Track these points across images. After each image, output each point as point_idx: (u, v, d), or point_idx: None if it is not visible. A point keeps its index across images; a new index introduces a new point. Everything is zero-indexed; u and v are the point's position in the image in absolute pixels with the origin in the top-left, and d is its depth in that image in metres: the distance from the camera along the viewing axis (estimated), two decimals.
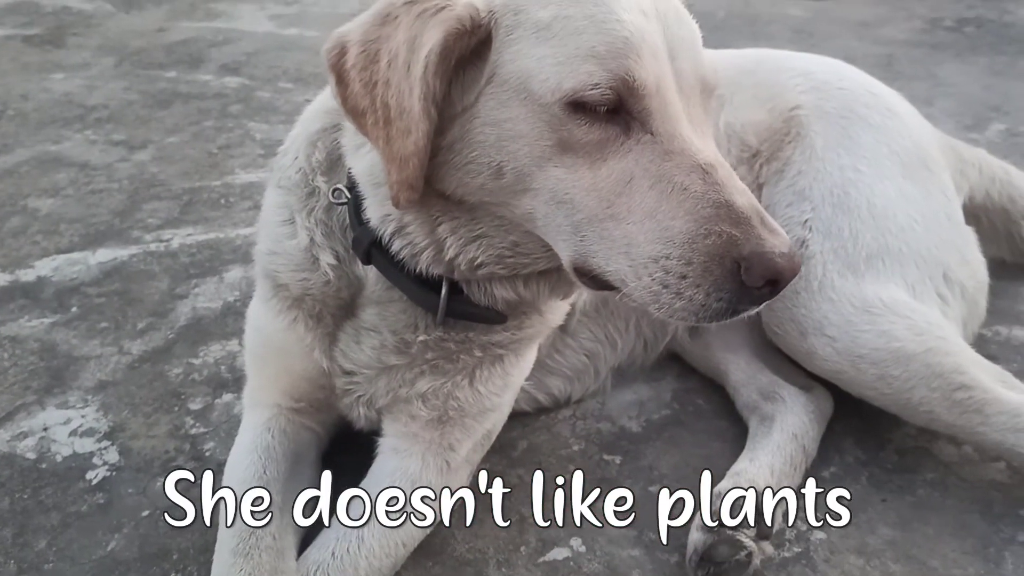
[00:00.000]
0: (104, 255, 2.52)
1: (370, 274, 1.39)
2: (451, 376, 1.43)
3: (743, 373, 1.85)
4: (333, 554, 1.34)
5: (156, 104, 3.68)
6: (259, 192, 2.89)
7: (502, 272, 1.30)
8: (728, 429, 1.82)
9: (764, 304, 1.11)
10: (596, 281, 1.19)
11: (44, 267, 2.45)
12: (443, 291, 1.33)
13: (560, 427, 1.84)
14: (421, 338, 1.39)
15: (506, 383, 1.49)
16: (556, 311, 1.49)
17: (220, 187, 2.96)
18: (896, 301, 1.65)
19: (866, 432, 1.79)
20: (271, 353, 1.53)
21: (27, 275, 2.41)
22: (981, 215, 2.11)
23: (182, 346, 2.11)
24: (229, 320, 2.21)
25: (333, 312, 1.44)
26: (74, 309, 2.25)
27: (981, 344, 1.73)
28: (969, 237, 1.87)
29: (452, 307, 1.35)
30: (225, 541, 1.31)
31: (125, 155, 3.20)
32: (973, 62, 4.10)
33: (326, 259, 1.40)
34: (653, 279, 1.09)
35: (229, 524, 1.33)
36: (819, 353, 1.66)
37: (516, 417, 1.73)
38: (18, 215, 2.75)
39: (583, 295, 1.72)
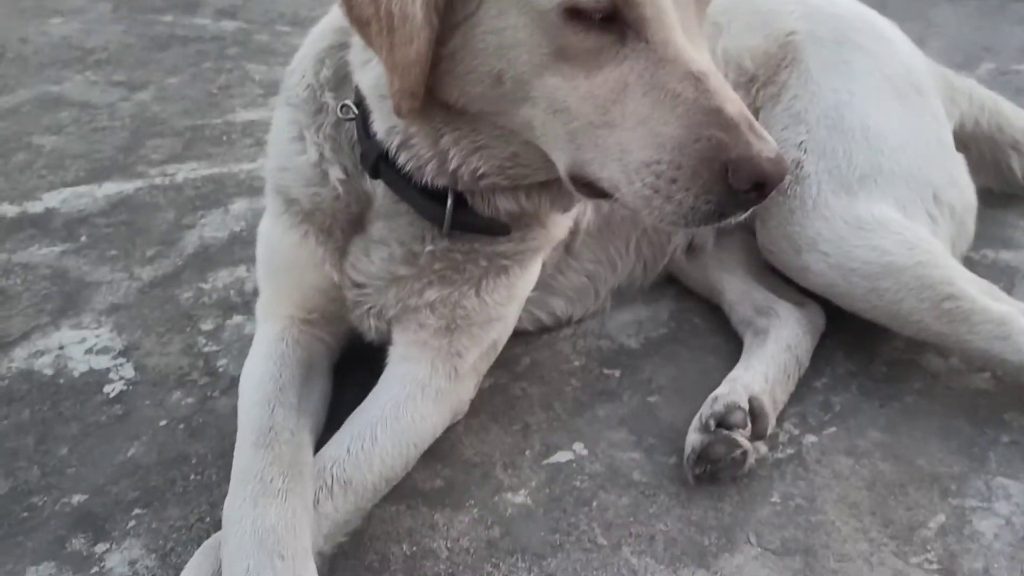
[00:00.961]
0: (110, 188, 2.56)
1: (378, 188, 1.43)
2: (458, 286, 1.49)
3: (738, 291, 1.90)
4: (348, 451, 1.39)
5: (154, 47, 3.70)
6: (261, 130, 2.93)
7: (503, 183, 1.35)
8: (723, 345, 1.88)
9: (751, 209, 1.16)
10: (591, 189, 1.23)
11: (52, 199, 2.49)
12: (448, 202, 1.37)
13: (561, 344, 1.90)
14: (429, 249, 1.44)
15: (511, 294, 1.55)
16: (559, 224, 1.53)
17: (221, 125, 2.99)
18: (888, 218, 1.70)
19: (856, 346, 1.85)
20: (283, 267, 1.58)
21: (35, 207, 2.45)
22: (970, 143, 2.16)
23: (191, 272, 2.15)
24: (236, 249, 2.26)
25: (343, 226, 1.49)
26: (83, 238, 2.30)
27: (969, 266, 1.78)
28: (958, 160, 1.93)
29: (457, 219, 1.39)
30: (245, 435, 1.36)
31: (126, 95, 3.22)
32: (964, 4, 4.15)
33: (335, 174, 1.44)
34: (644, 184, 1.13)
35: (250, 420, 1.38)
36: (813, 269, 1.72)
37: (519, 335, 1.79)
38: (23, 151, 2.78)
39: (586, 214, 1.78)
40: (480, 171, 1.31)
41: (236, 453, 1.36)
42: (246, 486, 1.26)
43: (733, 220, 1.15)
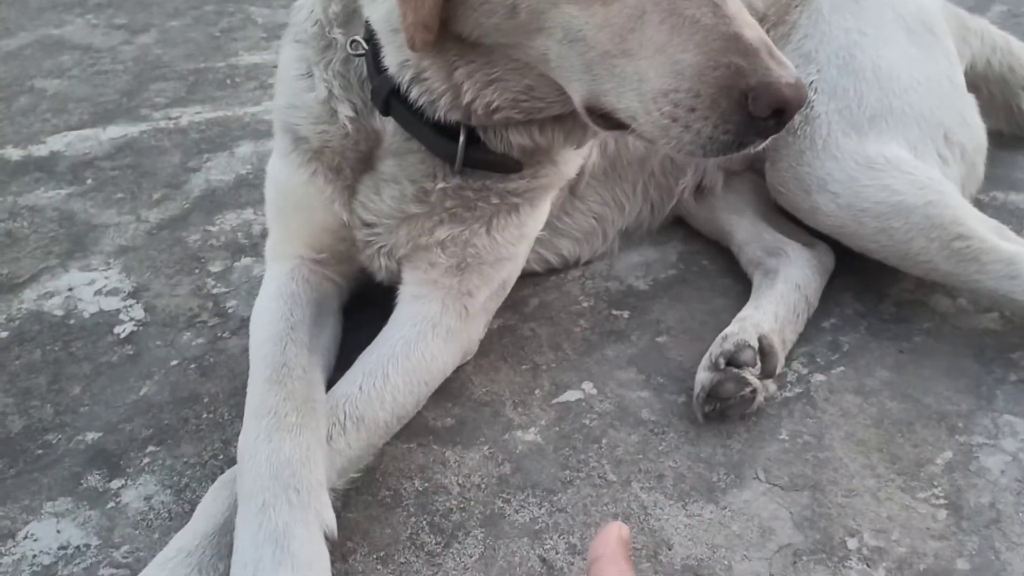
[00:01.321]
0: (114, 132, 2.55)
1: (388, 126, 1.42)
2: (469, 224, 1.48)
3: (748, 232, 1.90)
4: (360, 388, 1.40)
5: None
6: (264, 73, 2.91)
7: (517, 117, 1.34)
8: (731, 287, 1.89)
9: (770, 138, 1.14)
10: (607, 120, 1.22)
11: (56, 143, 2.48)
12: (461, 138, 1.37)
13: (570, 286, 1.90)
14: (440, 186, 1.43)
15: (521, 233, 1.54)
16: (569, 162, 1.53)
17: (225, 68, 2.97)
18: (898, 158, 1.70)
19: (865, 287, 1.85)
20: (292, 206, 1.58)
21: (40, 150, 2.45)
22: (981, 84, 2.15)
23: (198, 215, 2.15)
24: (243, 191, 2.26)
25: (352, 165, 1.48)
26: (89, 181, 2.29)
27: (978, 208, 1.77)
28: (970, 101, 1.91)
29: (469, 155, 1.38)
30: (259, 372, 1.37)
31: (128, 38, 3.20)
32: None
33: (344, 111, 1.43)
34: (662, 113, 1.11)
35: (262, 356, 1.39)
36: (823, 209, 1.72)
37: (527, 277, 1.79)
38: (26, 95, 2.77)
39: (591, 156, 1.77)
40: (494, 104, 1.30)
41: (249, 390, 1.37)
42: (260, 421, 1.27)
43: (752, 150, 1.14)
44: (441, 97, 1.31)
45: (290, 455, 1.22)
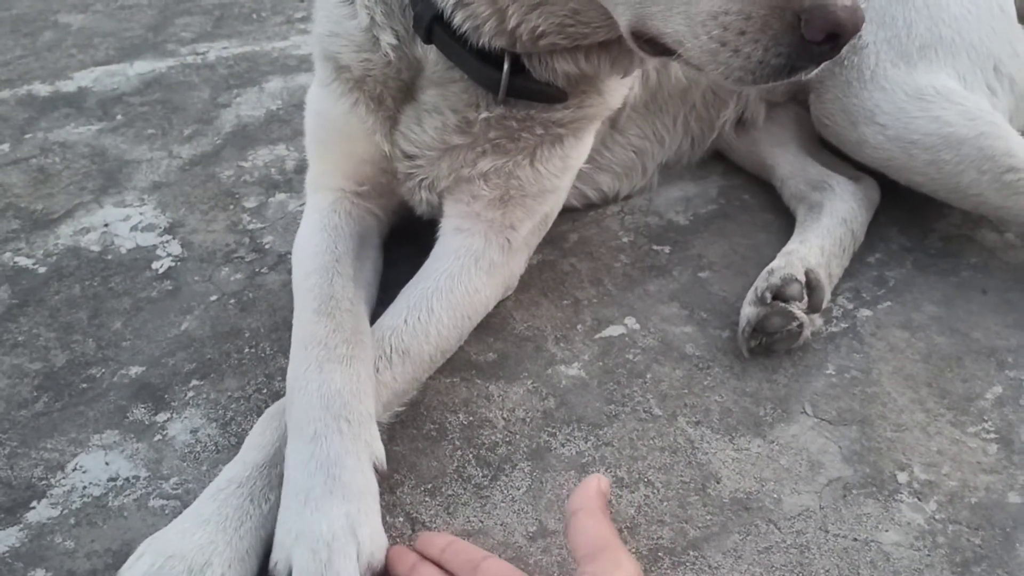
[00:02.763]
0: (142, 67, 2.52)
1: (430, 54, 1.39)
2: (512, 156, 1.46)
3: (791, 166, 1.87)
4: (406, 321, 1.39)
5: None
6: (291, 7, 2.88)
7: (563, 42, 1.30)
8: (773, 222, 1.86)
9: (823, 64, 1.10)
10: (654, 46, 1.18)
11: (84, 78, 2.46)
12: (505, 66, 1.33)
13: (609, 221, 1.88)
14: (483, 116, 1.40)
15: (565, 165, 1.52)
16: (615, 92, 1.49)
17: (250, 3, 2.94)
18: (948, 89, 1.66)
19: (911, 222, 1.82)
20: (333, 137, 1.55)
21: (67, 86, 2.42)
22: None
23: (230, 150, 2.13)
24: (274, 127, 2.23)
25: (393, 94, 1.45)
26: (119, 117, 2.27)
27: None
28: (1020, 31, 1.85)
29: (513, 84, 1.35)
30: (306, 304, 1.36)
31: None
32: None
33: (387, 39, 1.39)
34: (711, 37, 1.06)
35: (309, 287, 1.38)
36: (870, 141, 1.68)
37: (566, 213, 1.76)
38: (50, 30, 2.74)
39: (633, 88, 1.73)
40: (539, 30, 1.26)
41: (296, 322, 1.36)
42: (310, 352, 1.26)
43: (803, 76, 1.09)
44: (486, 22, 1.28)
45: (341, 386, 1.22)
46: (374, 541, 1.11)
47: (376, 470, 1.19)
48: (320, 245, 1.47)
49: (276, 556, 1.10)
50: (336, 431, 1.17)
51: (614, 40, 1.29)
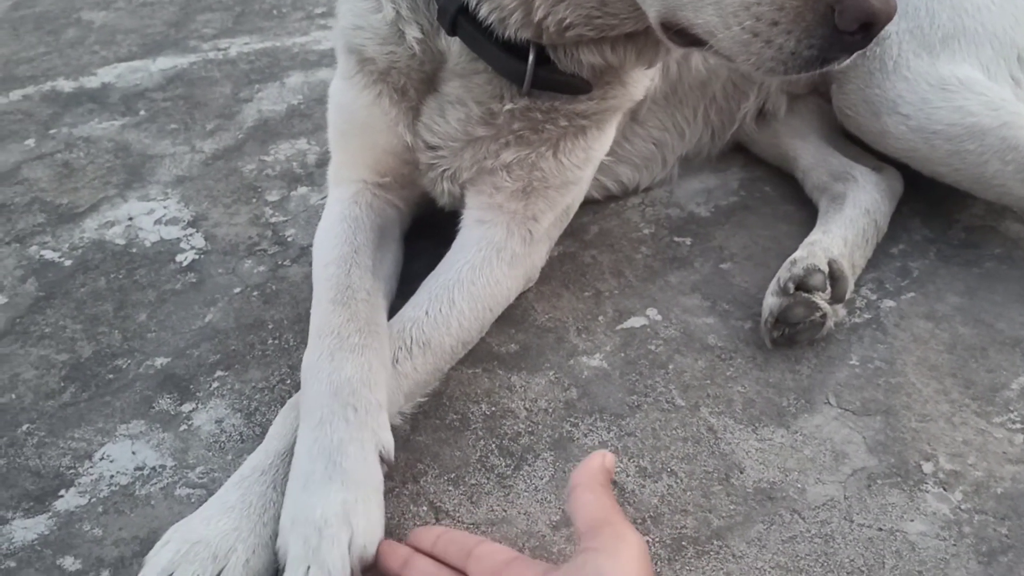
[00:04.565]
0: (164, 63, 2.54)
1: (453, 46, 1.39)
2: (536, 147, 1.46)
3: (812, 157, 1.86)
4: (427, 313, 1.40)
5: None
6: (311, 3, 2.88)
7: (590, 34, 1.30)
8: (795, 213, 1.85)
9: (856, 54, 1.10)
10: (683, 37, 1.18)
11: (107, 74, 2.48)
12: (530, 57, 1.33)
13: (630, 213, 1.88)
14: (507, 107, 1.40)
15: (588, 156, 1.52)
16: (638, 83, 1.49)
17: None
18: (971, 79, 1.65)
19: (933, 213, 1.82)
20: (355, 129, 1.56)
21: (91, 82, 2.44)
22: None
23: (252, 145, 2.14)
24: (295, 121, 2.24)
25: (416, 86, 1.45)
26: (142, 112, 2.29)
27: None
28: None
29: (538, 76, 1.35)
30: (322, 293, 1.37)
31: None
32: None
33: (412, 33, 1.40)
34: (743, 28, 1.06)
35: (326, 277, 1.39)
36: (892, 132, 1.68)
37: (586, 204, 1.77)
38: (73, 27, 2.76)
39: (654, 80, 1.73)
40: (566, 21, 1.26)
41: (313, 311, 1.37)
42: (323, 341, 1.27)
43: (835, 66, 1.09)
44: (512, 14, 1.27)
45: (351, 374, 1.22)
46: (368, 532, 1.10)
47: (383, 460, 1.18)
48: (340, 236, 1.48)
49: (279, 541, 1.10)
50: (342, 418, 1.17)
51: (641, 31, 1.29)
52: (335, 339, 1.27)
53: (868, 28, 1.03)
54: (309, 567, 1.04)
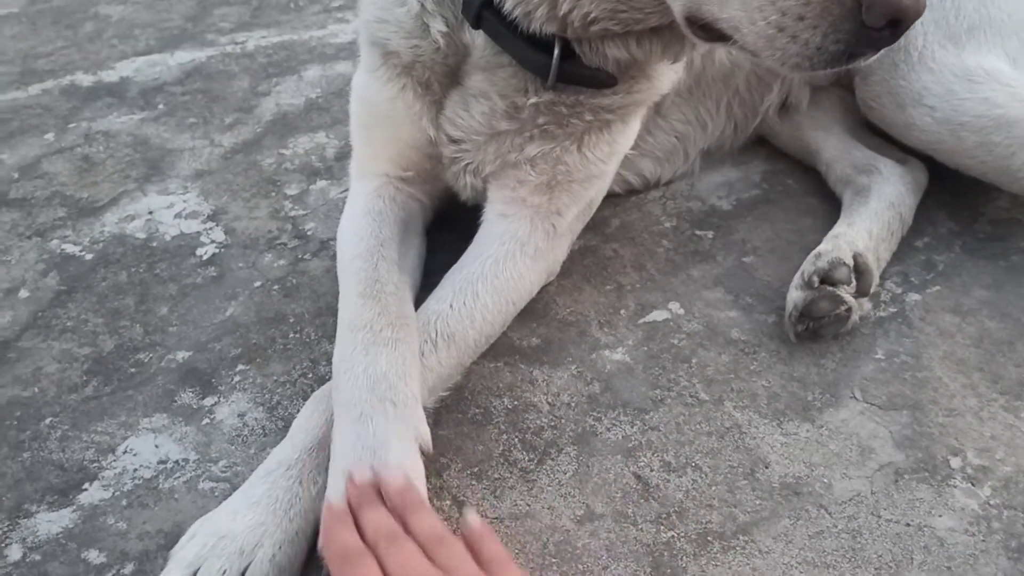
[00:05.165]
0: (182, 57, 2.53)
1: (478, 40, 1.38)
2: (560, 141, 1.45)
3: (836, 150, 1.84)
4: (451, 306, 1.39)
5: None
6: None
7: (615, 28, 1.29)
8: (818, 206, 1.84)
9: (882, 51, 1.09)
10: (708, 31, 1.16)
11: (125, 68, 2.48)
12: (555, 51, 1.32)
13: (651, 206, 1.86)
14: (532, 101, 1.39)
15: (612, 150, 1.50)
16: (663, 77, 1.48)
17: None
18: (998, 70, 1.63)
19: (958, 205, 1.80)
20: (379, 122, 1.55)
21: (110, 76, 2.44)
22: None
23: (271, 139, 2.14)
24: (313, 115, 2.24)
25: (440, 79, 1.44)
26: (160, 106, 2.29)
27: None
28: None
29: (562, 70, 1.33)
30: (351, 287, 1.36)
31: None
32: None
33: (437, 26, 1.38)
34: (768, 22, 1.04)
35: (354, 271, 1.39)
36: (918, 124, 1.66)
37: (607, 198, 1.75)
38: (91, 21, 2.76)
39: (679, 72, 1.71)
40: (591, 15, 1.25)
41: (341, 305, 1.36)
42: (356, 335, 1.26)
43: (862, 62, 1.07)
44: (537, 8, 1.26)
45: (386, 369, 1.22)
46: None
47: (422, 452, 1.19)
48: (365, 230, 1.47)
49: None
50: (382, 413, 1.17)
51: (666, 25, 1.28)
52: (368, 333, 1.27)
53: (896, 24, 1.02)
54: None
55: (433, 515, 1.08)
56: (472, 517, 1.08)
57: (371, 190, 1.55)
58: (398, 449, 1.15)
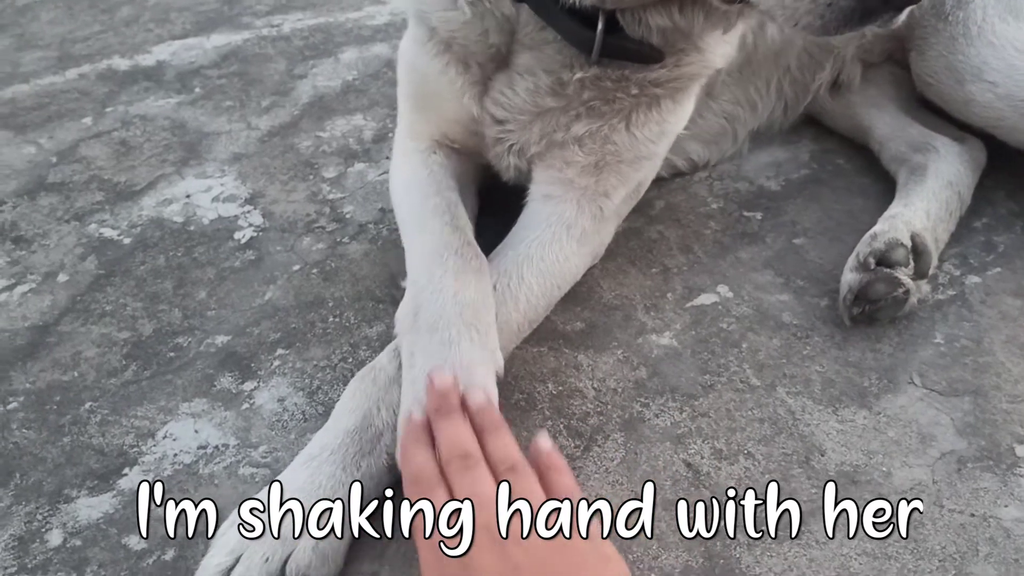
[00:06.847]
0: (218, 40, 2.51)
1: (522, 14, 1.33)
2: (607, 119, 1.40)
3: (890, 128, 1.78)
4: (496, 287, 1.36)
5: None
6: None
7: None
8: (871, 186, 1.78)
9: (905, 12, 1.01)
10: None
11: (162, 52, 2.46)
12: (599, 24, 1.28)
13: (697, 188, 1.82)
14: (577, 76, 1.34)
15: (662, 130, 1.45)
16: (715, 49, 1.41)
17: None
18: None
19: (1018, 185, 1.73)
20: (426, 94, 1.51)
21: (146, 60, 2.43)
22: None
23: (308, 121, 2.11)
24: (350, 97, 2.21)
25: (481, 61, 1.40)
26: (197, 90, 2.27)
27: None
28: None
29: (607, 44, 1.29)
30: (432, 221, 1.37)
31: None
32: None
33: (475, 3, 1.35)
34: None
35: (431, 207, 1.39)
36: (978, 100, 1.60)
37: (652, 181, 1.71)
38: (127, 5, 2.75)
39: (733, 47, 1.66)
40: None
41: (418, 239, 1.36)
42: (446, 260, 1.28)
43: (878, 23, 1.00)
44: None
45: (473, 296, 1.24)
46: None
47: (497, 378, 1.20)
48: (424, 180, 1.47)
49: None
50: (468, 339, 1.18)
51: None
52: (460, 259, 1.29)
53: None
54: None
55: (511, 438, 1.05)
56: (544, 440, 1.04)
57: (424, 147, 1.54)
58: (482, 373, 1.16)
